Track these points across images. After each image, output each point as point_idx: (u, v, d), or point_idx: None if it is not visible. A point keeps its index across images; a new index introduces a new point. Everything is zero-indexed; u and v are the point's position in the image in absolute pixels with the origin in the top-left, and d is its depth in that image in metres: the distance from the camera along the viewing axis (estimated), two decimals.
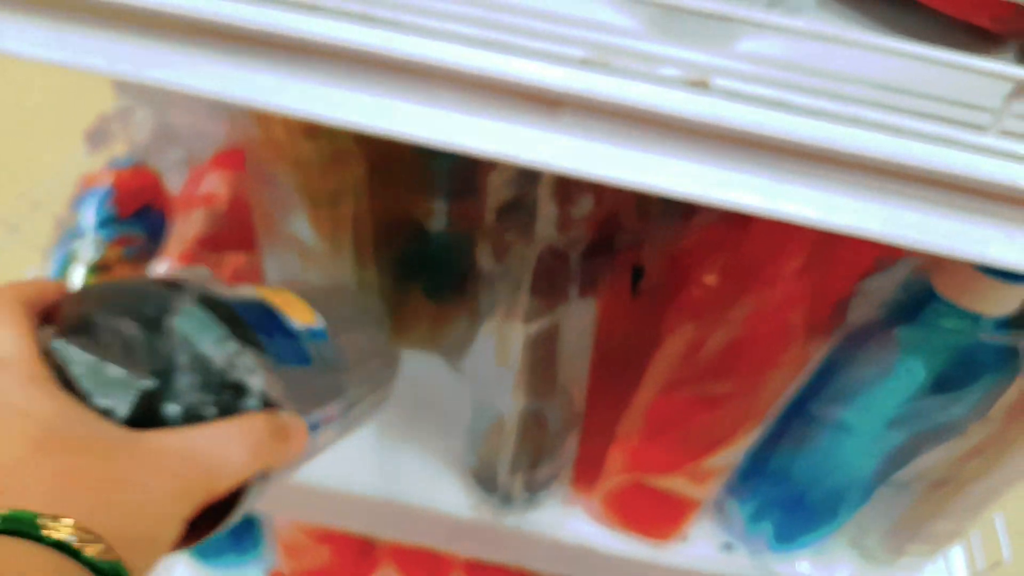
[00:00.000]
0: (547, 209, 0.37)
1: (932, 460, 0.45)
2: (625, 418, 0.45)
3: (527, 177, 0.37)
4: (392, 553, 0.77)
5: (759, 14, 0.24)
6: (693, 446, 0.44)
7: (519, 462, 0.48)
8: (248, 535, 0.84)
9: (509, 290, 0.39)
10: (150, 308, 0.28)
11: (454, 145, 0.27)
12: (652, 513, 0.51)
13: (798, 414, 0.44)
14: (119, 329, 0.27)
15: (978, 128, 0.25)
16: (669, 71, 0.25)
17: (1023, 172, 0.25)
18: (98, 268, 0.55)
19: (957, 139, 0.25)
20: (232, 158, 0.63)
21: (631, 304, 0.40)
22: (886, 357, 0.39)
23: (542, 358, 0.41)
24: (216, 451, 0.26)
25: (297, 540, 0.78)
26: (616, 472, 0.48)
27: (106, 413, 0.26)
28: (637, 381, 0.43)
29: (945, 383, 0.39)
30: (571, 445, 0.49)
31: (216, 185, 0.60)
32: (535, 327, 0.40)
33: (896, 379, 0.40)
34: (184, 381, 0.27)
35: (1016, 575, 0.51)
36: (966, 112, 0.26)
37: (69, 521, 0.22)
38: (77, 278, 0.54)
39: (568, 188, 0.36)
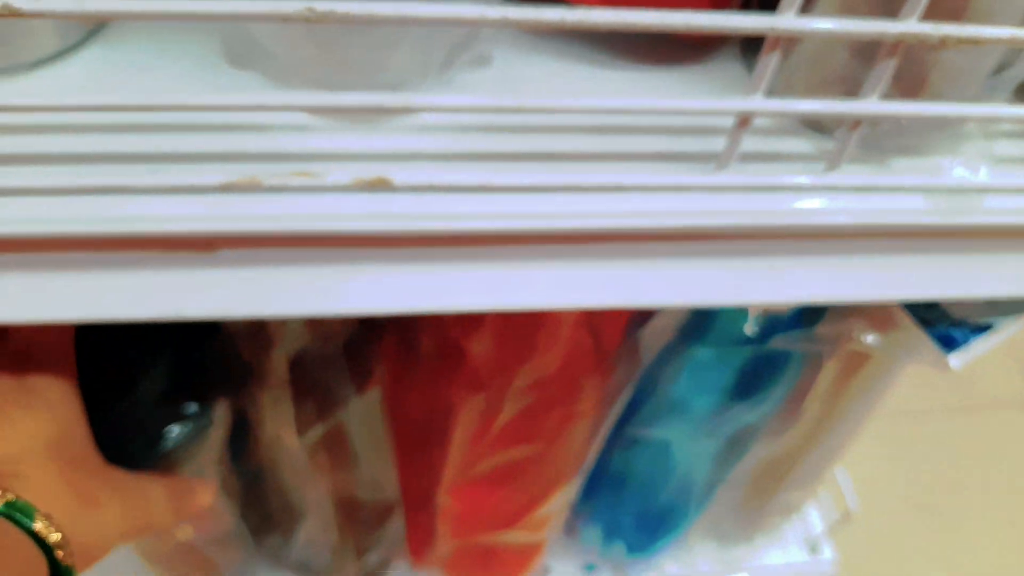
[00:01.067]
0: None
1: (763, 451, 0.44)
2: (442, 490, 0.41)
3: None
4: None
5: (418, 98, 0.19)
6: (517, 504, 0.40)
7: (345, 554, 0.44)
8: None
9: (272, 405, 0.34)
10: None
11: (101, 316, 0.21)
12: (499, 565, 0.48)
13: (619, 442, 0.41)
14: None
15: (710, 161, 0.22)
16: (338, 177, 0.20)
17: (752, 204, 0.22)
18: None
19: (686, 183, 0.22)
20: None
21: (415, 386, 0.36)
22: (686, 373, 0.37)
23: (333, 459, 0.36)
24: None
25: None
26: (450, 540, 0.44)
27: None
28: (444, 453, 0.39)
29: (745, 388, 0.37)
30: (396, 526, 0.44)
31: None
32: (313, 435, 0.35)
33: (698, 391, 0.38)
34: None
35: (865, 520, 0.52)
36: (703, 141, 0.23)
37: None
38: None
39: None
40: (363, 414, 0.36)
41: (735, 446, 0.42)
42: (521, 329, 0.31)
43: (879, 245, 0.24)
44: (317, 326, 0.32)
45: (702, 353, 0.35)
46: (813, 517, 0.55)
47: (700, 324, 0.34)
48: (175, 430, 0.34)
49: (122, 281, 0.21)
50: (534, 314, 0.31)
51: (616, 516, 0.48)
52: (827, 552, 0.54)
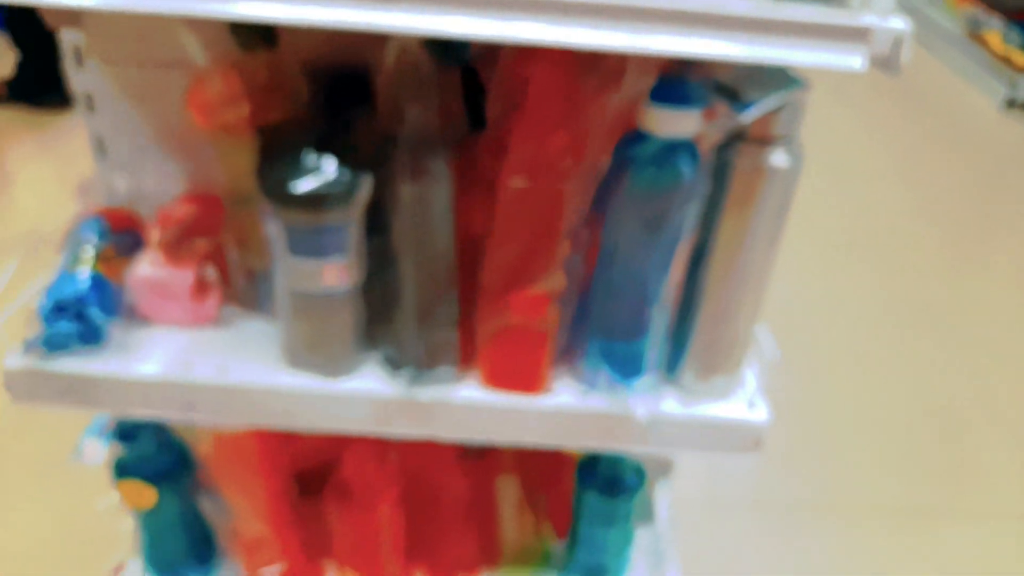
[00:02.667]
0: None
1: (698, 279, 0.67)
2: (481, 272, 0.65)
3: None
4: (341, 555, 0.89)
5: None
6: (522, 276, 0.64)
7: (417, 328, 0.67)
8: (207, 549, 0.94)
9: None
10: None
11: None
12: (518, 363, 0.69)
13: (590, 253, 0.65)
14: None
15: None
16: None
17: None
18: (99, 259, 0.73)
19: None
20: (193, 199, 0.84)
21: (475, 178, 0.62)
22: (628, 187, 0.62)
23: (420, 218, 0.62)
24: None
25: (255, 536, 0.89)
26: (482, 322, 0.67)
27: None
28: (484, 241, 0.64)
29: (668, 200, 0.62)
30: (452, 311, 0.68)
31: (183, 211, 0.81)
32: (414, 190, 0.61)
33: (636, 205, 0.62)
34: None
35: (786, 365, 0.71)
36: None
37: None
38: (84, 267, 0.72)
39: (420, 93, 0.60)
40: (441, 187, 0.62)
41: (669, 259, 0.65)
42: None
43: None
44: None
45: (637, 169, 0.61)
46: (748, 374, 0.74)
47: (633, 143, 0.60)
48: (338, 175, 0.61)
49: None
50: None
51: (597, 341, 0.70)
52: (761, 409, 0.72)
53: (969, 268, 2.26)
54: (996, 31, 3.34)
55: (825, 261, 2.20)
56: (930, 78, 3.55)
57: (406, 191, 0.61)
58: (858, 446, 1.62)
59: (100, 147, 0.87)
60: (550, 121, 0.60)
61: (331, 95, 0.69)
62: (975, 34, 3.41)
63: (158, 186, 0.87)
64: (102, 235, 0.76)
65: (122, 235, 0.78)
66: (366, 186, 0.62)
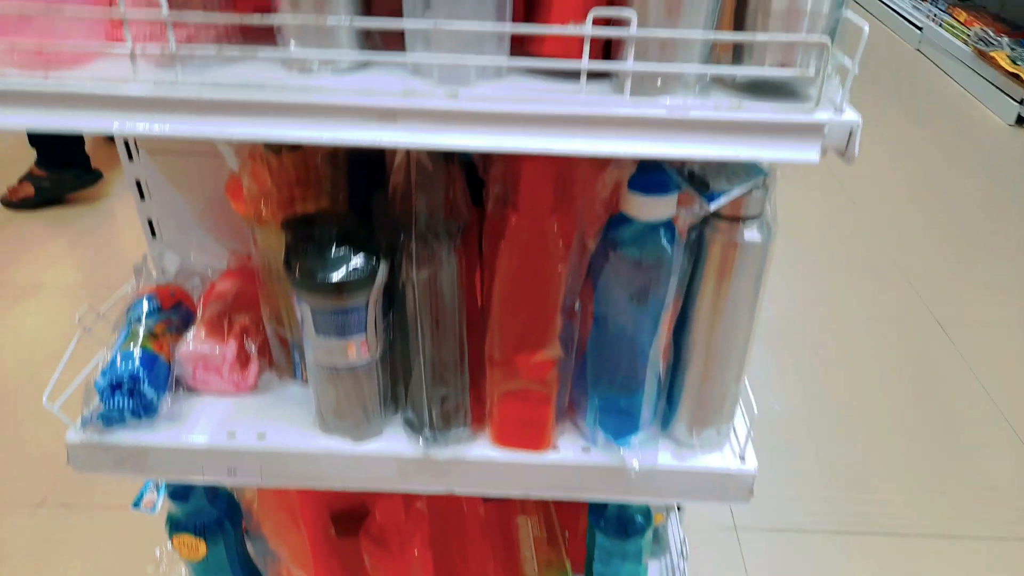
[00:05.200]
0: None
1: (684, 342, 0.70)
2: (487, 342, 0.69)
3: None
4: None
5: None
6: (524, 345, 0.68)
7: (432, 395, 0.71)
8: None
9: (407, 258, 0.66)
10: None
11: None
12: (525, 423, 0.73)
13: (587, 325, 0.69)
14: None
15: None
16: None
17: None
18: (150, 336, 0.79)
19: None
20: (234, 274, 0.89)
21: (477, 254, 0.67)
22: (614, 265, 0.65)
23: (430, 298, 0.67)
24: None
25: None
26: (491, 387, 0.71)
27: None
28: (487, 313, 0.68)
29: (651, 276, 0.65)
30: (463, 378, 0.72)
31: (225, 287, 0.86)
32: (424, 273, 0.65)
33: (622, 280, 0.66)
34: None
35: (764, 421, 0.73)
36: None
37: None
38: (137, 342, 0.78)
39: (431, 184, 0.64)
40: (448, 271, 0.66)
41: (658, 325, 0.68)
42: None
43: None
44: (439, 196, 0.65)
45: (621, 248, 0.64)
46: (739, 423, 0.76)
47: (618, 225, 0.64)
48: (358, 264, 0.66)
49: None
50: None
51: (595, 403, 0.73)
52: (750, 459, 0.75)
53: (981, 284, 2.23)
54: (1004, 51, 3.30)
55: (838, 279, 2.19)
56: (941, 95, 3.52)
57: (416, 276, 0.66)
58: (871, 468, 1.61)
59: (151, 228, 0.94)
60: (542, 208, 0.63)
61: (352, 180, 0.74)
62: (984, 53, 3.38)
63: (203, 262, 0.93)
64: (153, 312, 0.82)
65: (172, 310, 0.84)
66: (382, 273, 0.67)
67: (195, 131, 0.55)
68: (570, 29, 0.53)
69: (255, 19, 0.53)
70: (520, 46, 0.58)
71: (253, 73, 0.56)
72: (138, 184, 0.89)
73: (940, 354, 1.93)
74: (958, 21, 3.65)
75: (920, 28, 3.88)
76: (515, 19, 0.57)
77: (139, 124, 0.55)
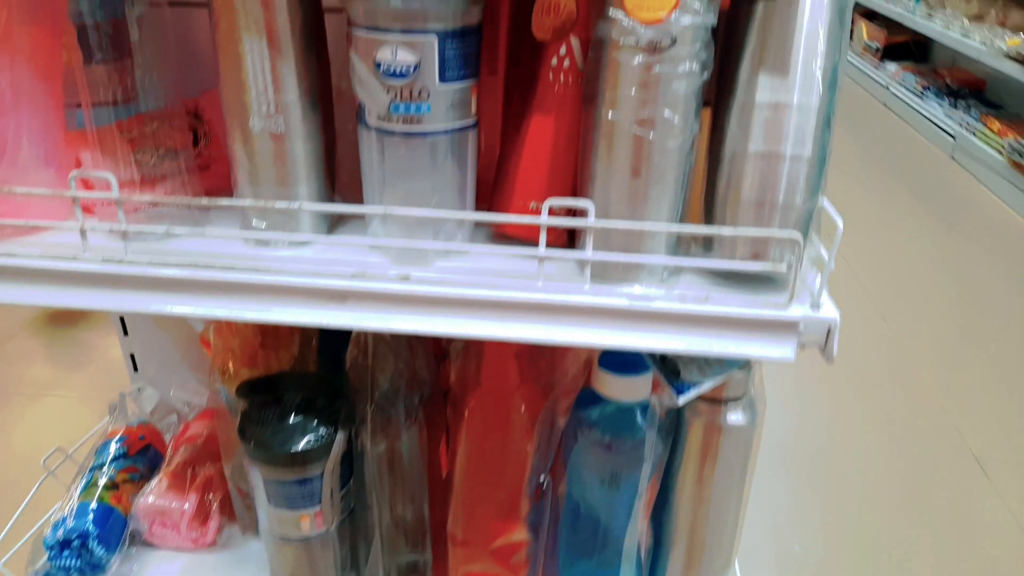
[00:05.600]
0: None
1: (665, 525, 0.64)
2: (450, 521, 0.64)
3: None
4: None
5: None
6: (490, 526, 0.63)
7: (390, 568, 0.66)
8: None
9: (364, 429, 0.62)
10: None
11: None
12: None
13: (555, 504, 0.64)
14: None
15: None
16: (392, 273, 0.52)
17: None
18: (110, 487, 0.76)
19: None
20: (209, 414, 0.87)
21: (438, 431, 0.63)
22: (585, 445, 0.61)
23: (389, 473, 0.63)
24: None
25: None
26: (454, 567, 0.66)
27: None
28: (450, 489, 0.64)
29: (624, 460, 0.60)
30: (425, 552, 0.67)
31: (198, 430, 0.84)
32: (381, 446, 0.62)
33: (593, 462, 0.61)
34: None
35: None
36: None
37: None
38: (95, 493, 0.75)
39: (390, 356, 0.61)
40: (410, 443, 0.63)
41: (635, 501, 0.62)
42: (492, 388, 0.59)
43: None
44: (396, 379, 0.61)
45: (592, 425, 0.60)
46: None
47: (588, 402, 0.60)
48: (313, 436, 0.62)
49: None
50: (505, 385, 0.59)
51: None
52: None
53: (1020, 394, 2.10)
54: None
55: (867, 405, 2.09)
56: (977, 205, 3.45)
57: (373, 449, 0.62)
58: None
59: (133, 363, 0.92)
60: (506, 384, 0.60)
61: (324, 334, 0.71)
62: (1018, 163, 3.32)
63: (183, 398, 0.91)
64: (118, 458, 0.79)
65: (138, 455, 0.81)
66: (339, 444, 0.63)
67: (143, 307, 0.53)
68: (526, 219, 0.50)
69: (203, 202, 0.52)
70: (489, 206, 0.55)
71: (208, 243, 0.55)
72: (121, 320, 0.89)
73: (976, 493, 1.80)
74: (991, 131, 3.62)
75: (953, 136, 3.86)
76: (485, 181, 0.56)
77: (86, 300, 0.54)
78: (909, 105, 4.05)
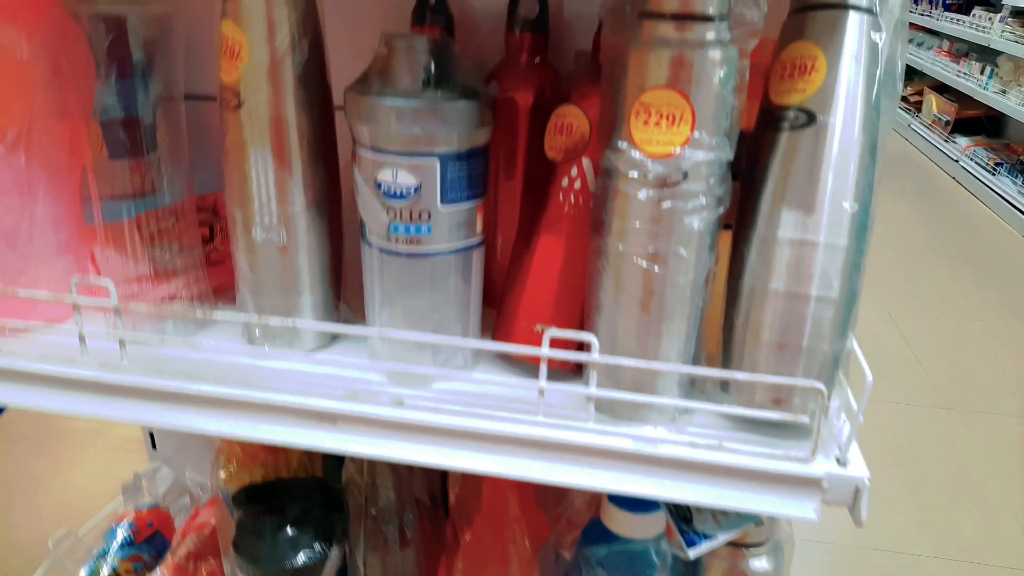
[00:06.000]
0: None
1: None
2: None
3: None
4: None
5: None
6: None
7: None
8: None
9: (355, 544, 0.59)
10: None
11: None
12: None
13: None
14: None
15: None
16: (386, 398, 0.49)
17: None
18: None
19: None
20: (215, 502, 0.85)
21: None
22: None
23: None
24: None
25: None
26: None
27: None
28: None
29: None
30: None
31: (207, 517, 0.82)
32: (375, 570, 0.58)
33: None
34: None
35: None
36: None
37: None
38: None
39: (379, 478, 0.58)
40: (401, 565, 0.59)
41: None
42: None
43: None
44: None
45: (600, 561, 0.55)
46: None
47: (597, 537, 0.55)
48: (305, 553, 0.59)
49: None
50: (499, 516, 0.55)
51: None
52: None
53: None
54: None
55: (931, 509, 1.94)
56: None
57: (367, 570, 0.58)
58: None
59: (152, 442, 0.92)
60: (506, 512, 0.56)
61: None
62: None
63: (197, 480, 0.89)
64: (124, 546, 0.78)
65: (144, 544, 0.79)
66: (333, 561, 0.60)
67: (135, 418, 0.52)
68: (526, 350, 0.47)
69: (198, 315, 0.51)
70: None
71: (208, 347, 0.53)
72: None
73: None
74: None
75: None
76: (494, 291, 0.53)
77: (82, 407, 0.52)
78: (980, 180, 3.89)
